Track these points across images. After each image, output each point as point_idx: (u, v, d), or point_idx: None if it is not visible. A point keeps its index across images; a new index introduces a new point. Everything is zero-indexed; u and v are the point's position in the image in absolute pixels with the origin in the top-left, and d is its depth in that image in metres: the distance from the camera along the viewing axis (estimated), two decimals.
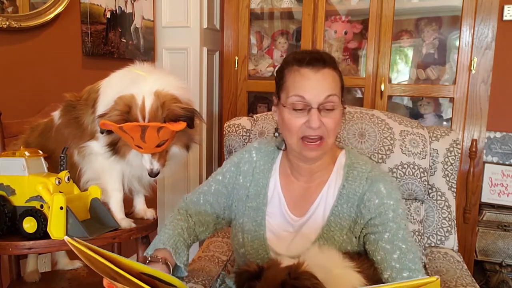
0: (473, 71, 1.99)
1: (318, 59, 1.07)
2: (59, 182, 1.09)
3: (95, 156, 1.18)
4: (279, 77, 1.13)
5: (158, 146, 1.07)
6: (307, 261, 0.88)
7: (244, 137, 1.58)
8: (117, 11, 2.19)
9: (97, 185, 1.17)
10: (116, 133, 1.08)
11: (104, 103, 1.12)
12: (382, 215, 1.06)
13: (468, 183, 2.06)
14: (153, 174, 1.12)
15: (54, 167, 1.16)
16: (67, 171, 1.12)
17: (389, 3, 2.08)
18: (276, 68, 1.30)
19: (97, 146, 1.17)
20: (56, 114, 1.27)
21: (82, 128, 1.19)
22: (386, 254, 1.03)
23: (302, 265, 0.86)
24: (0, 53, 1.63)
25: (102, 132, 1.10)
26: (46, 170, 1.15)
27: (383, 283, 1.00)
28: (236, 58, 2.35)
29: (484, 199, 2.28)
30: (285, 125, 1.09)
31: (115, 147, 1.13)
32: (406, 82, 2.31)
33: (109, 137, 1.12)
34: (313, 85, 1.05)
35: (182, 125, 1.06)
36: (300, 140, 1.07)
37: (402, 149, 1.43)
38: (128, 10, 2.28)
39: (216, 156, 2.78)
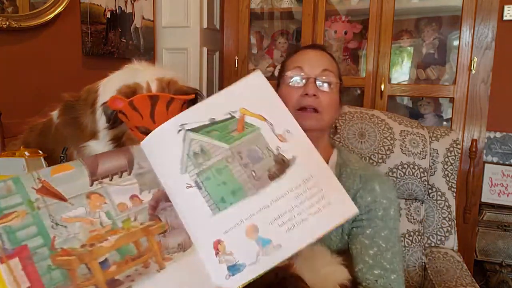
0: (473, 71, 1.99)
1: (317, 45, 1.22)
2: None
3: None
4: (281, 69, 1.19)
5: None
6: (298, 259, 0.88)
7: None
8: (117, 11, 2.19)
9: None
10: (126, 112, 1.05)
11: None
12: (371, 212, 1.05)
13: (468, 183, 2.06)
14: None
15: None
16: None
17: (389, 3, 2.08)
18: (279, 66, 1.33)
19: (98, 146, 1.17)
20: (54, 114, 1.26)
21: (81, 128, 1.19)
22: (362, 249, 1.03)
23: (291, 267, 0.86)
24: (0, 53, 1.63)
25: (109, 119, 1.08)
26: None
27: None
28: (236, 58, 2.35)
29: (484, 199, 2.28)
30: (283, 101, 1.12)
31: (119, 143, 1.13)
32: (406, 82, 2.31)
33: (113, 131, 1.11)
34: (311, 59, 1.14)
35: (191, 96, 1.06)
36: (296, 111, 1.09)
37: (402, 149, 1.43)
38: (128, 10, 2.28)
39: None
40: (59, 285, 0.64)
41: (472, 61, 1.99)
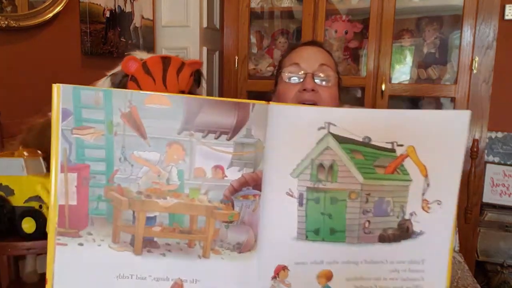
0: (475, 71, 1.98)
1: (313, 42, 1.23)
2: None
3: None
4: (278, 67, 1.21)
5: None
6: None
7: None
8: (116, 10, 2.18)
9: None
10: (138, 76, 1.03)
11: None
12: None
13: (470, 183, 2.05)
14: None
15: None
16: None
17: (390, 2, 2.07)
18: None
19: None
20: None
21: None
22: None
23: None
24: None
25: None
26: (45, 170, 1.15)
27: None
28: (236, 57, 2.34)
29: (486, 199, 2.27)
30: (281, 98, 1.12)
31: None
32: (407, 82, 2.30)
33: None
34: (308, 55, 1.14)
35: (199, 63, 1.05)
36: None
37: None
38: (128, 9, 2.27)
39: None
40: (100, 217, 0.62)
41: (474, 61, 1.98)
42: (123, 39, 2.21)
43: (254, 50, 2.57)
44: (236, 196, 0.63)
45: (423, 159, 0.62)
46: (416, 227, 0.64)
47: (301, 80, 1.10)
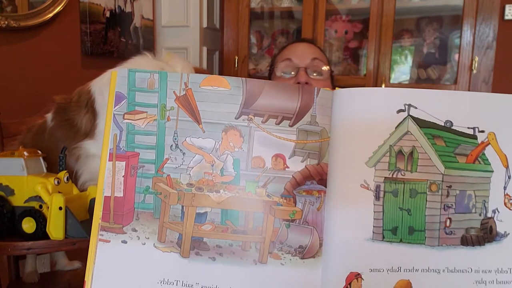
0: (474, 71, 1.98)
1: (305, 39, 1.29)
2: (58, 182, 1.08)
3: (92, 157, 1.17)
4: (271, 64, 1.23)
5: None
6: None
7: None
8: (117, 10, 2.18)
9: (95, 186, 1.16)
10: None
11: (104, 101, 1.12)
12: None
13: None
14: None
15: (48, 169, 1.16)
16: (66, 171, 1.12)
17: (390, 2, 2.07)
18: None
19: (93, 147, 1.16)
20: (49, 116, 1.27)
21: (75, 129, 1.19)
22: None
23: None
24: None
25: None
26: (45, 170, 1.15)
27: None
28: (236, 57, 2.34)
29: None
30: None
31: None
32: (407, 82, 2.30)
33: None
34: (300, 50, 1.16)
35: None
36: None
37: None
38: (128, 9, 2.27)
39: None
40: (146, 211, 0.56)
41: (473, 61, 1.98)
42: (123, 39, 2.21)
43: (254, 50, 2.57)
44: (299, 191, 0.55)
45: (504, 148, 0.55)
46: (499, 227, 0.55)
47: (294, 74, 1.11)
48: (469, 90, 2.00)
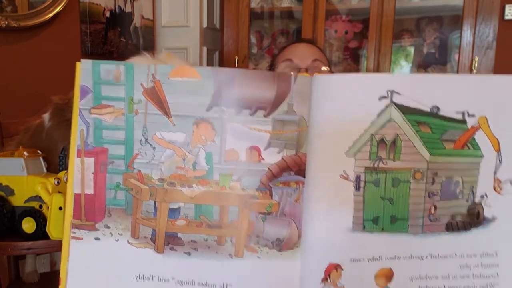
0: (475, 71, 1.98)
1: (305, 39, 1.31)
2: (58, 182, 1.08)
3: None
4: (271, 65, 1.24)
5: None
6: None
7: None
8: (117, 10, 2.18)
9: None
10: None
11: None
12: None
13: None
14: None
15: (46, 169, 1.16)
16: (66, 171, 1.12)
17: (390, 2, 2.07)
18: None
19: None
20: (46, 117, 1.26)
21: None
22: None
23: None
24: None
25: None
26: (45, 170, 1.15)
27: None
28: (236, 57, 2.34)
29: None
30: None
31: None
32: None
33: None
34: (300, 51, 1.16)
35: None
36: None
37: None
38: (128, 9, 2.27)
39: None
40: (118, 208, 0.56)
41: (473, 61, 1.98)
42: (123, 39, 2.21)
43: (254, 50, 2.56)
44: (275, 183, 0.54)
45: (496, 132, 0.53)
46: (487, 212, 0.55)
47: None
48: None
